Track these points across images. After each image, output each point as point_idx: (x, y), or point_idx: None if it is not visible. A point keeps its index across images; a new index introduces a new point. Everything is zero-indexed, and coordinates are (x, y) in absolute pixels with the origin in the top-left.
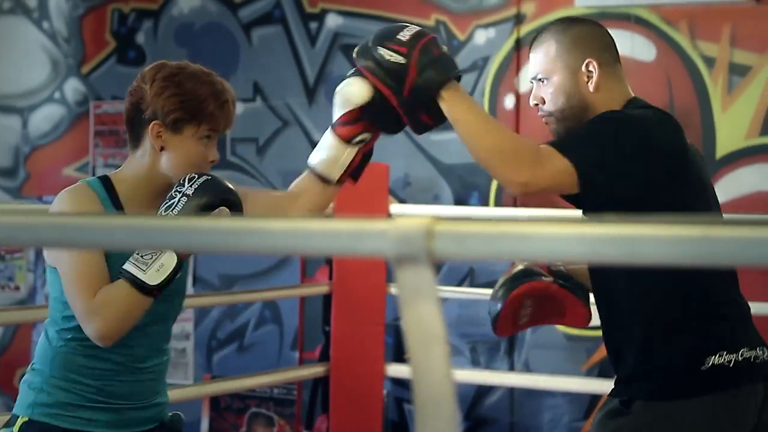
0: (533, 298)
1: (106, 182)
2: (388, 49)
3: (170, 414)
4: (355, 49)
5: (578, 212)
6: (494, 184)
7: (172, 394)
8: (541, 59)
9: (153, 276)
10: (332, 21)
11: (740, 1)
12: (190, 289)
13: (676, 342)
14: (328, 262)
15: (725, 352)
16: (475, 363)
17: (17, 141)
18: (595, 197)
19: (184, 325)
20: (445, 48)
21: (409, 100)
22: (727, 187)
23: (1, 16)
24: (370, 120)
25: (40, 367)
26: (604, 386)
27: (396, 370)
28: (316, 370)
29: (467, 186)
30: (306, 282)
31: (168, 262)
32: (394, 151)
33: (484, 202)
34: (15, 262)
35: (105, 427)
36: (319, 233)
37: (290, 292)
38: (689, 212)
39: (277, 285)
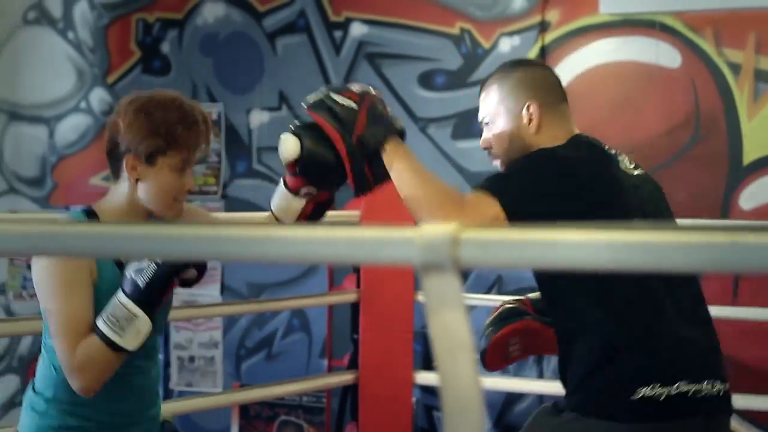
0: (518, 336)
1: (90, 214)
2: (341, 95)
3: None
4: (307, 98)
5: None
6: None
7: (202, 402)
8: (486, 104)
9: (130, 341)
10: (357, 30)
11: (766, 7)
12: (218, 297)
13: (611, 369)
14: (356, 270)
15: (659, 385)
16: (504, 370)
17: (44, 151)
18: None
19: (212, 333)
20: (390, 109)
21: (356, 147)
22: (754, 194)
23: (26, 26)
24: (307, 175)
25: (44, 389)
26: None
27: (425, 377)
28: (345, 377)
29: None
30: (334, 290)
31: (142, 327)
32: (420, 158)
33: None
34: None
35: None
36: (344, 241)
37: (318, 300)
38: None
39: (305, 293)
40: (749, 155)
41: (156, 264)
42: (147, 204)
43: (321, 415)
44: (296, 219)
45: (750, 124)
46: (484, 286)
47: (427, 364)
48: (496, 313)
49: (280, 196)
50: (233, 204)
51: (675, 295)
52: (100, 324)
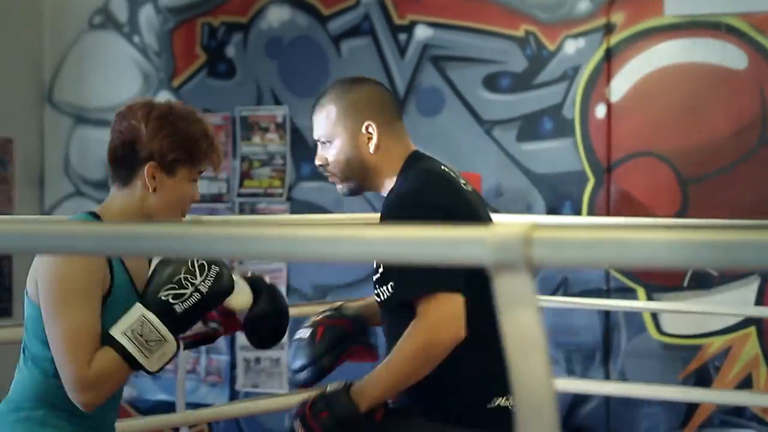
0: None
1: (95, 218)
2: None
3: None
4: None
5: (675, 219)
6: (587, 193)
7: (268, 403)
8: (322, 123)
9: (154, 363)
10: (421, 32)
11: None
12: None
13: (468, 377)
14: None
15: (501, 397)
16: (570, 372)
17: None
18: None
19: None
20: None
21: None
22: None
23: (92, 30)
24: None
25: (33, 402)
26: (701, 395)
27: None
28: None
29: (560, 195)
30: None
31: (168, 351)
32: (485, 161)
33: (577, 212)
34: None
35: None
36: (417, 241)
37: None
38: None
39: (370, 294)
40: None
41: (200, 294)
42: (157, 212)
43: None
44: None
45: None
46: (549, 289)
47: None
48: (320, 334)
49: None
50: (298, 206)
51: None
52: (122, 339)
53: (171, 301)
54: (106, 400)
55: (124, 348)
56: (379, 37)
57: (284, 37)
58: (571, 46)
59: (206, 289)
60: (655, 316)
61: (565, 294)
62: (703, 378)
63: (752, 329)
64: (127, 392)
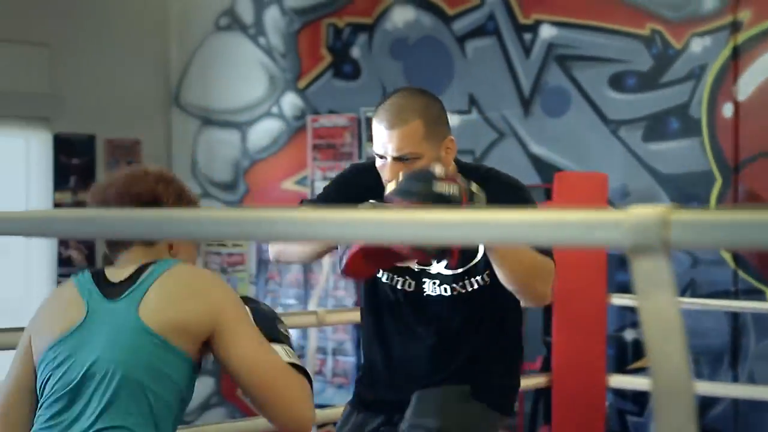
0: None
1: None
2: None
3: None
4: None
5: None
6: (714, 193)
7: None
8: (409, 139)
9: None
10: (546, 32)
11: None
12: None
13: (512, 370)
14: None
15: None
16: (698, 374)
17: (237, 155)
18: None
19: None
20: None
21: None
22: None
23: (218, 32)
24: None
25: None
26: None
27: (618, 381)
28: (538, 380)
29: (686, 196)
30: None
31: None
32: (612, 161)
33: None
34: (237, 275)
35: None
36: (554, 224)
37: None
38: None
39: None
40: None
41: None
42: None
43: (513, 419)
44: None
45: None
46: (676, 290)
47: (620, 367)
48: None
49: None
50: None
51: None
52: (297, 361)
53: (285, 333)
54: None
55: (299, 366)
56: (504, 37)
57: (409, 37)
58: (697, 45)
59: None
60: None
61: (693, 296)
62: None
63: None
64: None
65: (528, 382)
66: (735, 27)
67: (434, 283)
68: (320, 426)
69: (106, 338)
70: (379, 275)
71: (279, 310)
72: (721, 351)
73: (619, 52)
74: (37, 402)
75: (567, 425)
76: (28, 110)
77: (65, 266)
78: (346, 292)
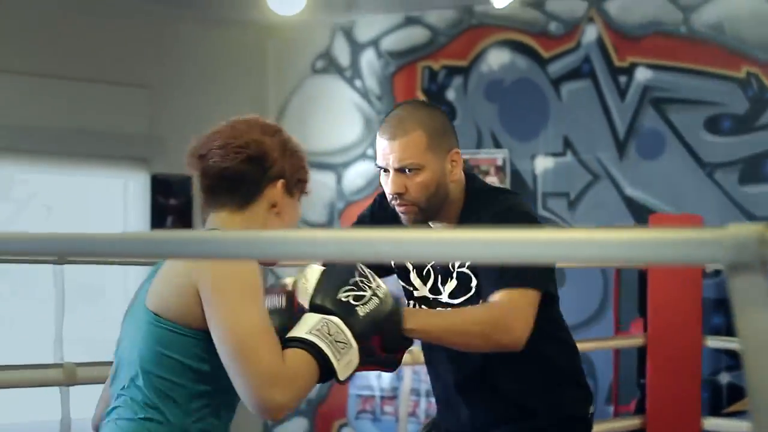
0: None
1: None
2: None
3: None
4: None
5: None
6: None
7: None
8: (411, 150)
9: (343, 369)
10: (641, 75)
11: None
12: None
13: (574, 392)
14: (642, 314)
15: (591, 405)
16: None
17: (332, 197)
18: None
19: None
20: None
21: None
22: None
23: (315, 75)
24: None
25: (179, 417)
26: None
27: (713, 424)
28: (632, 422)
29: None
30: (620, 335)
31: (353, 360)
32: (707, 203)
33: None
34: None
35: None
36: (652, 242)
37: (605, 343)
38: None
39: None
40: None
41: (379, 299)
42: None
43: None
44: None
45: None
46: None
47: (715, 411)
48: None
49: None
50: None
51: None
52: (310, 337)
53: (353, 302)
54: (294, 407)
55: (318, 347)
56: (599, 80)
57: (504, 79)
58: None
59: (383, 295)
60: None
61: None
62: None
63: None
64: None
65: (621, 424)
66: None
67: None
68: None
69: (132, 330)
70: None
71: None
72: None
73: (715, 95)
74: None
75: None
76: (127, 151)
77: None
78: None
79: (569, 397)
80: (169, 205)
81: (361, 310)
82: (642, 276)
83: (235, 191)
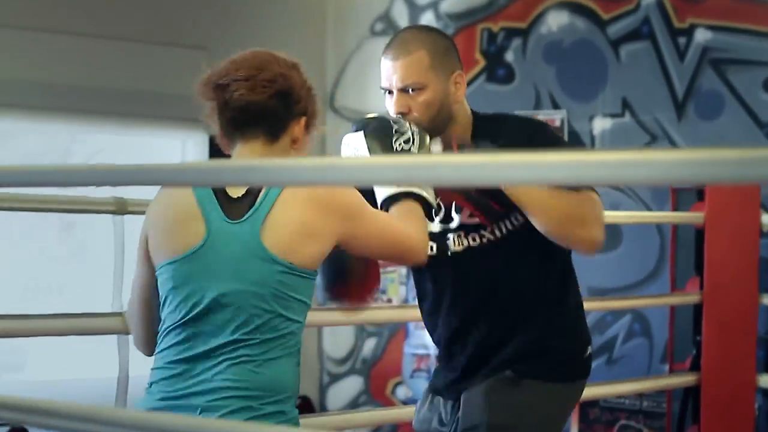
0: None
1: None
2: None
3: None
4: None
5: None
6: None
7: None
8: (414, 69)
9: (431, 197)
10: (701, 36)
11: None
12: None
13: (572, 328)
14: (699, 272)
15: (590, 345)
16: None
17: None
18: None
19: None
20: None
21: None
22: None
23: (374, 37)
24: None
25: (283, 398)
26: None
27: (767, 381)
28: (687, 379)
29: None
30: (676, 292)
31: (431, 193)
32: None
33: None
34: (388, 275)
35: None
36: (705, 162)
37: (660, 300)
38: None
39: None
40: None
41: (420, 139)
42: None
43: (661, 420)
44: None
45: None
46: None
47: None
48: None
49: None
50: None
51: None
52: (402, 188)
53: (404, 146)
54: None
55: (412, 192)
56: (658, 41)
57: (563, 41)
58: None
59: (416, 128)
60: None
61: None
62: None
63: None
64: (403, 393)
65: (676, 380)
66: None
67: (459, 236)
68: None
69: (233, 268)
70: None
71: None
72: None
73: None
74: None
75: (715, 425)
76: (184, 112)
77: None
78: None
79: (570, 331)
80: None
81: (414, 149)
82: (699, 235)
83: (259, 124)
